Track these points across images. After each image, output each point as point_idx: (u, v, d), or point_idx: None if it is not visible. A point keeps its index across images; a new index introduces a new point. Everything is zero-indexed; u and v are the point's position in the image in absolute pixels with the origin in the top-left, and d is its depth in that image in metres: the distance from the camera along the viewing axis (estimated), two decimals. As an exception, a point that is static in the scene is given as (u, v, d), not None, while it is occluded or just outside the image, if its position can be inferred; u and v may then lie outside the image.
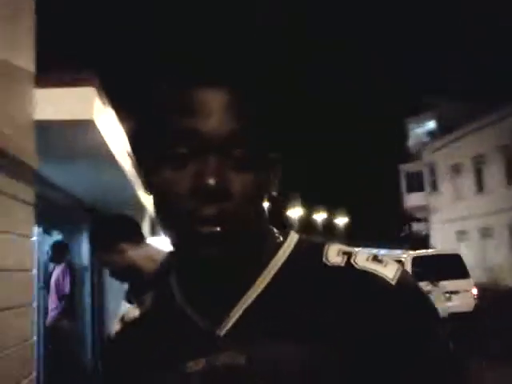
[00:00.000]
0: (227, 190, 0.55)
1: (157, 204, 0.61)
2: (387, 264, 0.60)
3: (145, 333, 0.68)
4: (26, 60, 2.88)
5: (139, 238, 1.95)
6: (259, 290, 0.61)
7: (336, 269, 0.61)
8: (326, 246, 0.64)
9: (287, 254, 0.64)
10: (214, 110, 0.56)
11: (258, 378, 0.56)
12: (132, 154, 0.72)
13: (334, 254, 0.63)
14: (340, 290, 0.59)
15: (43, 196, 4.53)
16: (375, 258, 0.61)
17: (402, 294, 0.59)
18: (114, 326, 0.74)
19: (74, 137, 3.28)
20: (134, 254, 1.85)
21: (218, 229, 0.55)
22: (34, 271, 3.31)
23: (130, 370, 0.66)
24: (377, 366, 0.56)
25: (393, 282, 0.58)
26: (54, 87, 2.98)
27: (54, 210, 4.84)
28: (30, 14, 3.03)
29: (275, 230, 0.67)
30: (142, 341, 0.67)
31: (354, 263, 0.61)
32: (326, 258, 0.62)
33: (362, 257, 0.62)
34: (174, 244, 0.62)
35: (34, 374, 2.74)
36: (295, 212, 30.76)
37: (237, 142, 0.57)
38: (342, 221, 36.89)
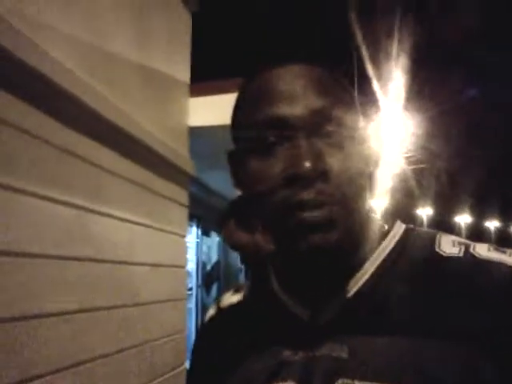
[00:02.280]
0: (324, 170, 0.52)
1: (249, 198, 0.60)
2: (511, 253, 0.55)
3: (240, 320, 0.67)
4: (182, 72, 3.13)
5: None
6: (363, 281, 0.58)
7: (454, 259, 0.55)
8: (438, 236, 0.59)
9: (394, 242, 0.60)
10: (295, 93, 0.55)
11: (360, 371, 0.52)
12: (228, 157, 0.73)
13: (448, 244, 0.58)
14: (457, 278, 0.54)
15: (201, 200, 4.88)
16: (497, 248, 0.56)
17: None
18: (209, 311, 0.74)
19: (225, 141, 3.45)
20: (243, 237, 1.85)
21: (318, 214, 0.52)
22: (188, 268, 3.54)
23: (223, 355, 0.65)
24: (501, 363, 0.49)
25: None
26: (206, 95, 3.17)
27: (211, 213, 5.18)
28: (187, 30, 3.29)
29: (378, 218, 0.63)
30: (236, 327, 0.67)
31: (474, 253, 0.56)
32: (440, 248, 0.57)
33: (483, 247, 0.57)
34: (273, 236, 0.59)
35: (186, 364, 2.93)
36: (462, 218, 27.21)
37: (323, 121, 0.54)
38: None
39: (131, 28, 2.47)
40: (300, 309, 0.60)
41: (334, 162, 0.54)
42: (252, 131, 0.56)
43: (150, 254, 2.53)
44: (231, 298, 0.71)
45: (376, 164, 0.61)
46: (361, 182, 0.57)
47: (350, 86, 0.61)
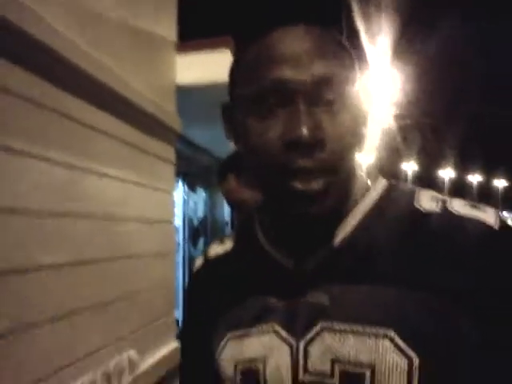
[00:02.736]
0: (321, 139, 0.53)
1: (247, 157, 0.61)
2: (486, 210, 0.58)
3: (226, 269, 0.71)
4: (168, 29, 3.11)
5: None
6: (346, 232, 0.61)
7: (431, 215, 0.58)
8: (417, 191, 0.62)
9: (375, 197, 0.63)
10: (300, 57, 0.54)
11: (340, 315, 0.56)
12: (222, 110, 0.74)
13: (427, 199, 0.61)
14: (437, 236, 0.56)
15: (188, 156, 4.92)
16: (473, 205, 0.59)
17: (505, 238, 0.56)
18: (197, 262, 0.78)
19: (213, 99, 3.47)
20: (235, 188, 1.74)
21: (315, 186, 0.54)
22: (177, 224, 3.63)
23: (212, 304, 0.69)
24: (483, 323, 0.52)
25: (495, 227, 0.55)
26: (193, 52, 3.17)
27: (197, 170, 5.24)
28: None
29: (362, 174, 0.65)
30: (223, 276, 0.71)
31: (451, 209, 0.58)
32: (419, 204, 0.60)
33: (459, 203, 0.59)
34: (265, 195, 0.62)
35: (175, 314, 3.08)
36: (446, 173, 27.05)
37: (325, 88, 0.54)
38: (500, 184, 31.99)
39: (117, -16, 2.45)
40: (285, 259, 0.63)
41: (331, 130, 0.54)
42: (253, 91, 0.56)
43: (139, 209, 2.61)
44: (217, 249, 0.75)
45: (368, 124, 0.63)
46: (355, 146, 0.58)
47: (349, 46, 0.60)
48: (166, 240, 2.95)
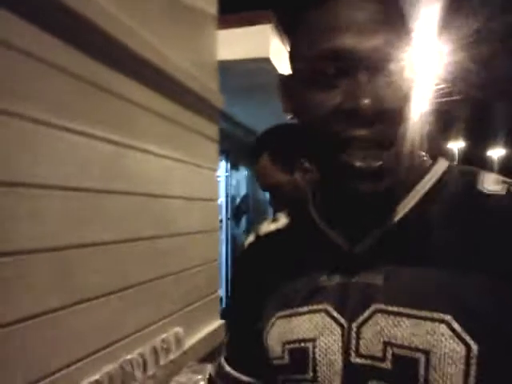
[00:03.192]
0: (381, 109, 0.52)
1: (304, 129, 0.60)
2: None
3: (278, 246, 0.70)
4: (209, 3, 3.05)
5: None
6: (404, 212, 0.59)
7: (496, 197, 0.56)
8: (481, 174, 0.60)
9: (435, 178, 0.61)
10: (364, 25, 0.53)
11: (393, 297, 0.55)
12: (280, 82, 0.71)
13: (491, 181, 0.58)
14: (500, 217, 0.54)
15: (230, 134, 4.90)
16: None
17: None
18: (249, 238, 0.77)
19: (253, 74, 3.41)
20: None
21: (374, 163, 0.52)
22: (220, 201, 3.63)
23: (262, 278, 0.69)
24: None
25: None
26: (233, 27, 3.10)
27: (240, 148, 5.21)
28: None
29: (422, 153, 0.64)
30: (275, 253, 0.70)
31: None
32: (482, 186, 0.58)
33: None
34: (322, 170, 0.62)
35: (219, 291, 3.09)
36: (495, 152, 25.16)
37: (386, 58, 0.53)
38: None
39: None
40: (339, 238, 0.62)
41: (391, 101, 0.53)
42: (312, 59, 0.55)
43: (183, 187, 2.60)
44: (269, 227, 0.74)
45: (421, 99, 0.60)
46: (413, 121, 0.56)
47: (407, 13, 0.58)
48: (209, 218, 2.94)
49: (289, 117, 0.63)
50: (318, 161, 0.61)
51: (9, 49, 1.44)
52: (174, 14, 2.58)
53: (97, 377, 1.83)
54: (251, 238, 0.77)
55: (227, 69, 3.09)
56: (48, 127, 1.61)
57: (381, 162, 0.53)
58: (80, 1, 1.70)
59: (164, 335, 2.33)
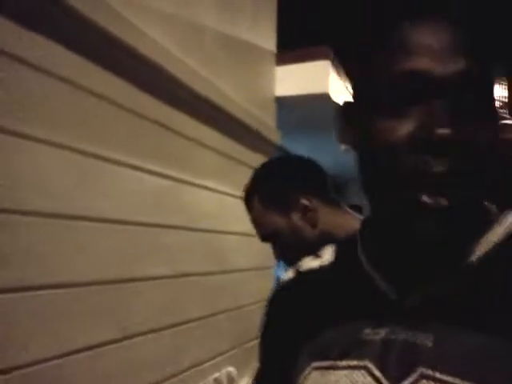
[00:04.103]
0: (461, 140, 0.46)
1: (366, 160, 0.54)
2: None
3: (321, 286, 0.63)
4: (267, 40, 3.11)
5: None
6: (464, 267, 0.52)
7: None
8: None
9: (503, 231, 0.53)
10: (444, 49, 0.48)
11: (443, 363, 0.47)
12: (340, 110, 0.66)
13: None
14: None
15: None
16: None
17: None
18: (288, 273, 0.71)
19: (311, 110, 3.40)
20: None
21: (445, 202, 0.46)
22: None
23: (299, 320, 0.63)
24: None
25: None
26: (291, 63, 3.13)
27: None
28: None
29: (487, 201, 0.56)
30: (315, 293, 0.63)
31: None
32: None
33: None
34: (380, 208, 0.56)
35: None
36: None
37: (472, 85, 0.48)
38: None
39: (218, 2, 2.49)
40: (389, 287, 0.55)
41: (472, 134, 0.47)
42: (383, 83, 0.50)
43: (239, 223, 2.58)
44: (311, 263, 0.68)
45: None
46: (495, 157, 0.50)
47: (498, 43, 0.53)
48: (264, 255, 2.90)
49: (344, 148, 0.58)
50: (375, 195, 0.55)
51: (76, 87, 1.51)
52: (233, 53, 2.64)
53: (147, 414, 1.80)
54: (290, 274, 0.70)
55: (286, 103, 3.11)
56: (109, 163, 1.66)
57: (453, 202, 0.46)
58: (145, 44, 1.77)
59: (217, 374, 2.28)
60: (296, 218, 1.16)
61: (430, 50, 0.48)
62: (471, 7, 0.51)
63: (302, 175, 1.21)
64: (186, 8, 2.19)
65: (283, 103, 3.11)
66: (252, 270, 2.70)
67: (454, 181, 0.46)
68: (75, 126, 1.52)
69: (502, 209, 0.56)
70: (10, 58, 1.29)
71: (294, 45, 3.29)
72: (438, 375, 0.47)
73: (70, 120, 1.50)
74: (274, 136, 3.00)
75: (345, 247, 0.66)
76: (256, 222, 1.25)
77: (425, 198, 0.47)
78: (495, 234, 0.53)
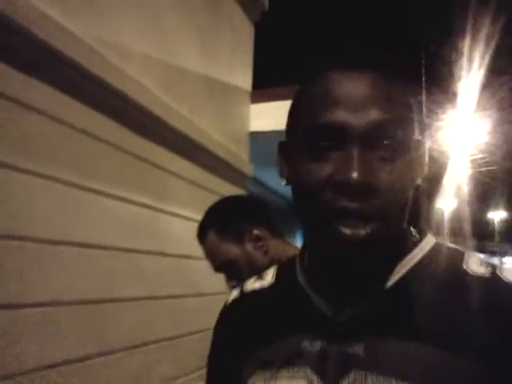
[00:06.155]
0: (373, 184, 0.52)
1: (295, 196, 0.60)
2: None
3: (262, 305, 0.69)
4: (244, 79, 3.33)
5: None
6: (389, 284, 0.59)
7: (480, 279, 0.57)
8: (466, 254, 0.61)
9: (422, 253, 0.61)
10: (358, 101, 0.54)
11: (374, 366, 0.55)
12: (278, 148, 0.65)
13: (476, 263, 0.59)
14: (484, 300, 0.55)
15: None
16: None
17: None
18: (232, 294, 0.77)
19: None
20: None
21: (362, 232, 0.52)
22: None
23: (243, 337, 0.68)
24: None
25: None
26: (265, 102, 3.35)
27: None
28: (250, 41, 3.49)
29: (412, 229, 0.64)
30: (258, 312, 0.69)
31: (501, 276, 0.57)
32: (467, 266, 0.59)
33: (510, 270, 0.58)
34: (310, 238, 0.63)
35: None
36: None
37: (383, 134, 0.53)
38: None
39: (197, 43, 2.70)
40: (324, 304, 0.61)
41: (383, 177, 0.53)
42: (308, 131, 0.56)
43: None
44: (254, 284, 0.74)
45: (427, 176, 0.61)
46: (406, 198, 0.56)
47: (419, 92, 0.59)
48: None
49: (283, 182, 0.64)
50: (305, 227, 0.61)
51: (66, 125, 1.69)
52: (211, 91, 2.84)
53: (118, 429, 1.92)
54: (235, 294, 0.76)
55: (259, 139, 3.31)
56: (94, 193, 1.82)
57: (369, 231, 0.52)
58: (128, 85, 1.96)
59: (186, 392, 2.39)
60: (249, 246, 1.28)
61: (345, 102, 0.53)
62: (383, 64, 0.57)
63: (253, 210, 1.35)
64: (167, 49, 2.39)
65: (256, 138, 3.32)
66: (221, 293, 2.83)
67: (368, 219, 0.52)
68: (62, 159, 1.68)
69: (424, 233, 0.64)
70: (7, 100, 1.47)
71: (267, 84, 3.52)
72: (368, 377, 0.54)
73: (59, 155, 1.67)
74: (247, 168, 3.20)
75: (284, 269, 0.72)
76: (211, 253, 1.34)
77: (344, 230, 0.52)
78: (414, 257, 0.60)
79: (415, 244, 0.62)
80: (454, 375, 0.51)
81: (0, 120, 1.45)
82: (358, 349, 0.56)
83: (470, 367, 0.51)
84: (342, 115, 0.53)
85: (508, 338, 0.51)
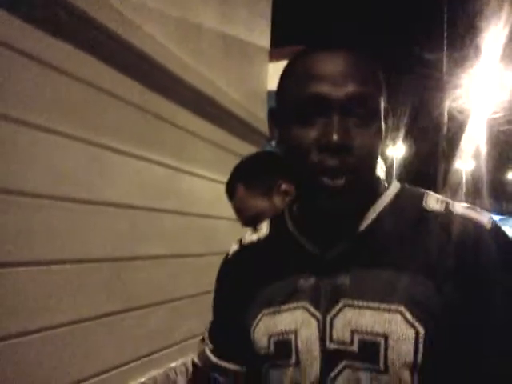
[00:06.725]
0: (349, 144, 0.64)
1: (287, 156, 0.71)
2: (481, 212, 0.70)
3: (260, 254, 0.81)
4: (262, 37, 3.27)
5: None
6: (366, 225, 0.72)
7: (436, 214, 0.70)
8: (425, 194, 0.73)
9: (390, 196, 0.74)
10: (337, 77, 0.65)
11: (358, 296, 0.67)
12: (269, 114, 0.83)
13: (433, 201, 0.72)
14: (440, 231, 0.68)
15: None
16: (472, 208, 0.71)
17: (495, 236, 0.67)
18: (233, 247, 0.87)
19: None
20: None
21: (341, 182, 0.64)
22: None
23: (245, 282, 0.80)
24: (465, 299, 0.64)
25: (488, 227, 0.67)
26: (283, 60, 3.29)
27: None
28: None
29: (381, 177, 0.76)
30: (257, 260, 0.81)
31: (452, 210, 0.70)
32: (426, 204, 0.72)
33: (459, 205, 0.71)
34: (299, 189, 0.75)
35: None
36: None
37: (357, 104, 0.65)
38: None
39: (215, 0, 2.64)
40: (312, 246, 0.73)
41: (358, 138, 0.65)
42: (296, 101, 0.67)
43: (229, 209, 2.76)
44: (251, 237, 0.85)
45: (385, 138, 0.73)
46: (376, 155, 0.69)
47: (383, 74, 0.71)
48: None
49: (273, 143, 0.75)
50: (296, 181, 0.74)
51: (88, 85, 1.68)
52: (228, 50, 2.80)
53: (143, 379, 2.00)
54: (235, 247, 0.87)
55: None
56: (115, 153, 1.84)
57: (345, 181, 0.64)
58: (145, 41, 1.93)
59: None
60: (277, 200, 1.31)
61: (327, 78, 0.65)
62: (357, 46, 0.69)
63: (281, 165, 1.34)
64: (184, 6, 2.35)
65: (275, 97, 3.27)
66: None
67: (345, 171, 0.64)
68: (82, 118, 1.69)
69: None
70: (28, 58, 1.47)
71: (285, 42, 3.45)
72: (355, 302, 0.67)
73: (79, 114, 1.67)
74: (265, 127, 3.17)
75: (276, 222, 0.84)
76: (239, 207, 1.38)
77: (327, 181, 0.65)
78: (384, 201, 0.73)
79: (385, 189, 0.75)
80: (419, 289, 0.64)
81: (24, 80, 1.45)
82: (345, 280, 0.69)
83: (431, 282, 0.64)
84: (325, 88, 0.64)
85: (459, 259, 0.65)
